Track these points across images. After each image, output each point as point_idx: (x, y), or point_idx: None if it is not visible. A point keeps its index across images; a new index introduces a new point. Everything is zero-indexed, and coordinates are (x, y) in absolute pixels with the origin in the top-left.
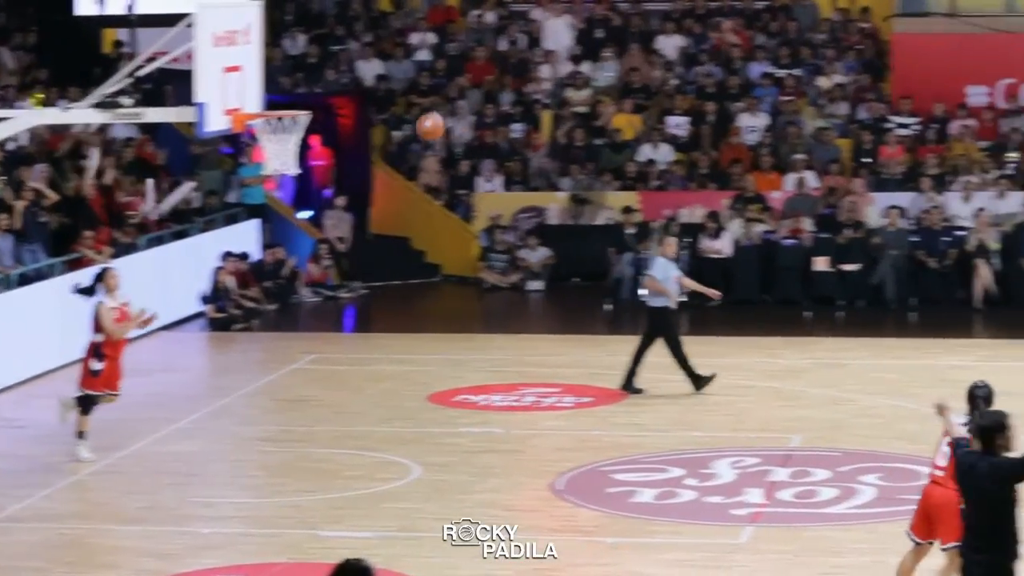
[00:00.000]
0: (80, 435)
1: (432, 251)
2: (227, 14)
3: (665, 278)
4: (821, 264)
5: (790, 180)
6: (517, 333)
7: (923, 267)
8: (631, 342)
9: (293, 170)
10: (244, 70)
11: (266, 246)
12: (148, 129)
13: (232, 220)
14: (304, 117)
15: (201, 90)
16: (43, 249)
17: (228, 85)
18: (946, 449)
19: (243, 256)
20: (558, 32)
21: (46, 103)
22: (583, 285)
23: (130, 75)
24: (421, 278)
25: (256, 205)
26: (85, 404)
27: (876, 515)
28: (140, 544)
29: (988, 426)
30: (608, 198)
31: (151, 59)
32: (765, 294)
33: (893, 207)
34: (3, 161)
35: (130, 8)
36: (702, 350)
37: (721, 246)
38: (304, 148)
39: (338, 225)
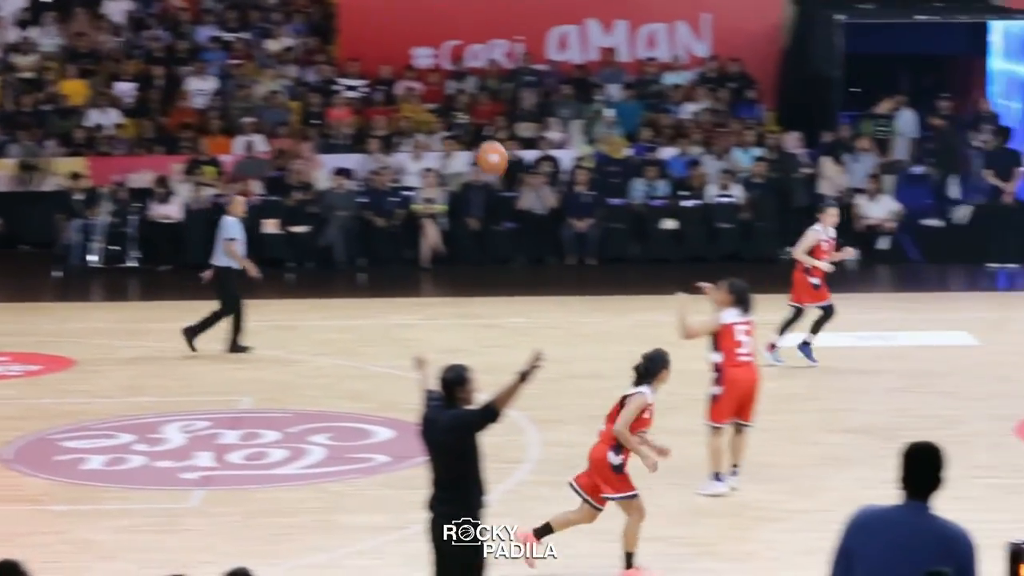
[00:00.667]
0: None
1: None
2: None
3: (239, 239)
4: (270, 227)
5: (239, 143)
6: None
7: (371, 228)
8: (80, 309)
9: None
10: None
11: None
12: None
13: None
14: None
15: None
16: None
17: None
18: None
19: None
20: None
21: None
22: (32, 252)
23: None
24: None
25: None
26: None
27: (325, 475)
28: None
29: (450, 379)
30: (56, 164)
31: None
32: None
33: (340, 170)
34: None
35: None
36: (149, 315)
37: (170, 211)
38: None
39: None
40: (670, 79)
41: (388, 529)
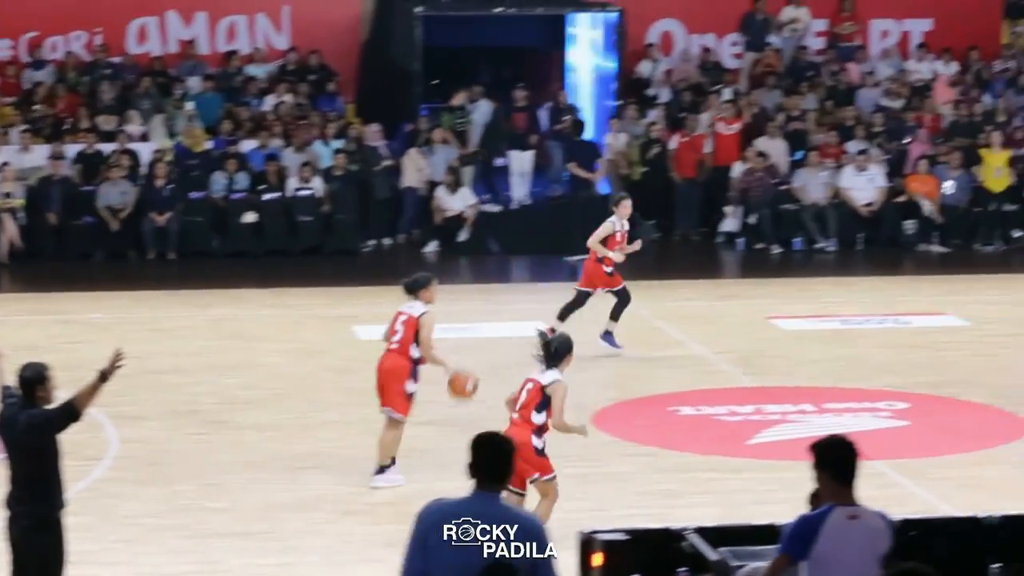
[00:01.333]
0: None
1: None
2: None
3: None
4: None
5: None
6: None
7: None
8: None
9: None
10: None
11: None
12: None
13: None
14: None
15: None
16: None
17: None
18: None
19: None
20: None
21: None
22: None
23: None
24: None
25: None
26: None
27: None
28: None
29: (28, 377)
30: None
31: None
32: None
33: None
34: None
35: None
36: None
37: None
38: None
39: None
40: (251, 71)
41: None
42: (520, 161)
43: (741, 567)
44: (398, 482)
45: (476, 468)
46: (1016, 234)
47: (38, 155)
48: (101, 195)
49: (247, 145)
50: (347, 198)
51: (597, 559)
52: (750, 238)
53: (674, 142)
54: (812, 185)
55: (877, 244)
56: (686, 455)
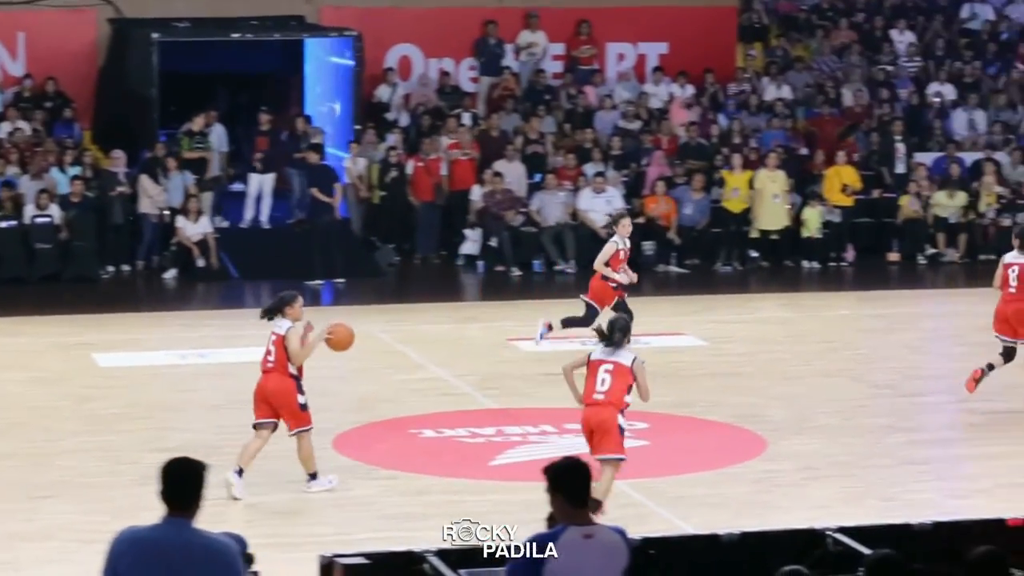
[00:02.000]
0: None
1: None
2: None
3: None
4: None
5: None
6: None
7: None
8: None
9: None
10: None
11: None
12: None
13: None
14: None
15: None
16: None
17: None
18: (606, 376)
19: None
20: None
21: None
22: None
23: None
24: None
25: None
26: None
27: None
28: None
29: None
30: None
31: None
32: None
33: None
34: None
35: None
36: None
37: None
38: None
39: None
40: None
41: None
42: (260, 185)
43: None
44: (332, 484)
45: (167, 495)
46: (753, 254)
47: None
48: None
49: None
50: (85, 225)
51: None
52: (490, 261)
53: (411, 167)
54: (550, 207)
55: None
56: (428, 477)
